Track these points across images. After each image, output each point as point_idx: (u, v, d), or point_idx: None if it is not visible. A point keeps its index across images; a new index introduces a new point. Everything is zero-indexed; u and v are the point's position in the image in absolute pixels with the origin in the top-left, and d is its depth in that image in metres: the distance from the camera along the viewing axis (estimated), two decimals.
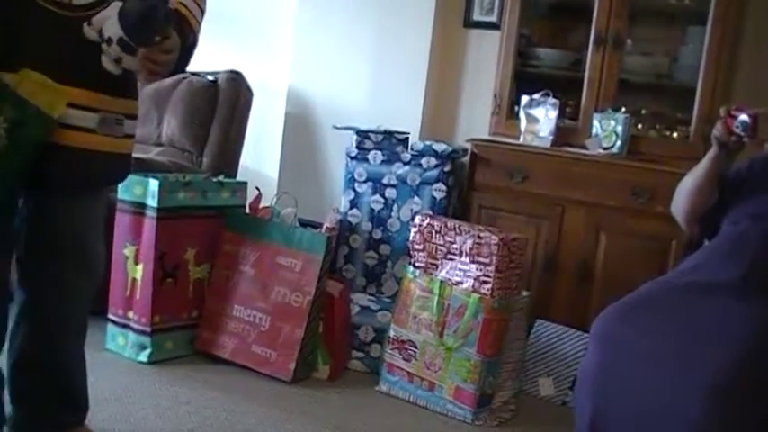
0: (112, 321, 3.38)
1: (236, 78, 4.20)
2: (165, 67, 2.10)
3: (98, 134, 2.16)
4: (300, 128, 4.40)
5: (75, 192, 2.23)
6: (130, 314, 3.33)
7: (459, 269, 3.18)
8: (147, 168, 3.52)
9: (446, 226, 3.26)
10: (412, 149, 3.81)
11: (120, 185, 3.33)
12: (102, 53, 2.02)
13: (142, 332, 3.30)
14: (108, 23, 2.00)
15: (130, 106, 2.26)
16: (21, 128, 2.01)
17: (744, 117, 2.43)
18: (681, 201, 2.72)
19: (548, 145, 3.74)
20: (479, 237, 3.15)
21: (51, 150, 2.10)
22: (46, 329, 2.32)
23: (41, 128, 2.05)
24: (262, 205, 3.62)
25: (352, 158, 3.88)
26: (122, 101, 2.22)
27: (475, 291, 3.12)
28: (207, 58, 4.44)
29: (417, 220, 3.35)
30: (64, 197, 2.22)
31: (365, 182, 3.84)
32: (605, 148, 3.63)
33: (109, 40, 2.00)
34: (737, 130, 2.45)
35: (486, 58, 4.05)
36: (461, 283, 3.16)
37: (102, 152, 2.19)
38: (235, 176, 4.01)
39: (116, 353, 3.35)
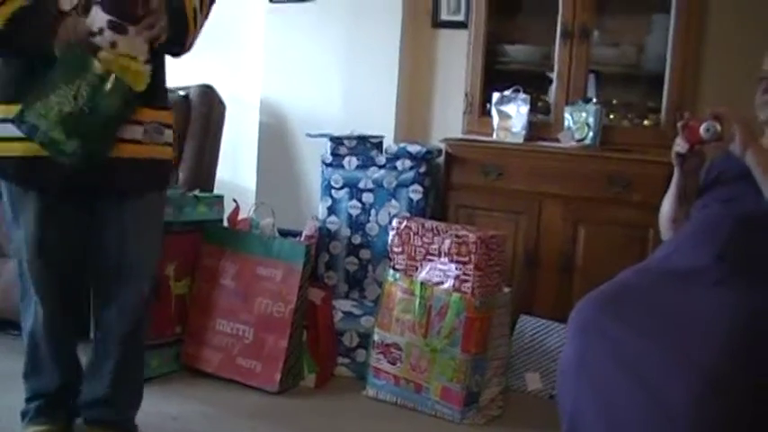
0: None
1: (207, 92, 4.19)
2: (162, 30, 2.35)
3: (144, 144, 2.45)
4: (275, 138, 4.40)
5: (128, 197, 2.48)
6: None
7: (440, 269, 3.19)
8: None
9: (424, 227, 3.26)
10: (386, 153, 3.81)
11: None
12: (100, 48, 2.25)
13: None
14: (95, 18, 2.25)
15: (166, 116, 2.53)
16: (101, 94, 2.25)
17: (710, 122, 2.40)
18: (666, 229, 2.72)
19: (521, 140, 3.75)
20: (457, 236, 3.16)
21: (107, 164, 2.36)
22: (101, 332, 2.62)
23: (120, 99, 2.29)
24: (240, 217, 3.62)
25: (327, 165, 3.88)
26: (160, 112, 2.50)
27: (456, 290, 3.12)
28: (177, 73, 4.42)
29: (395, 222, 3.35)
30: (120, 204, 2.48)
31: (342, 188, 3.84)
32: (578, 141, 3.65)
33: (100, 30, 2.24)
34: (707, 136, 2.41)
35: (456, 57, 4.05)
36: (442, 283, 3.17)
37: (149, 159, 2.48)
38: (211, 190, 4.00)
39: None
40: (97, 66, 2.24)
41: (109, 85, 2.25)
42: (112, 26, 2.25)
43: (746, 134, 2.37)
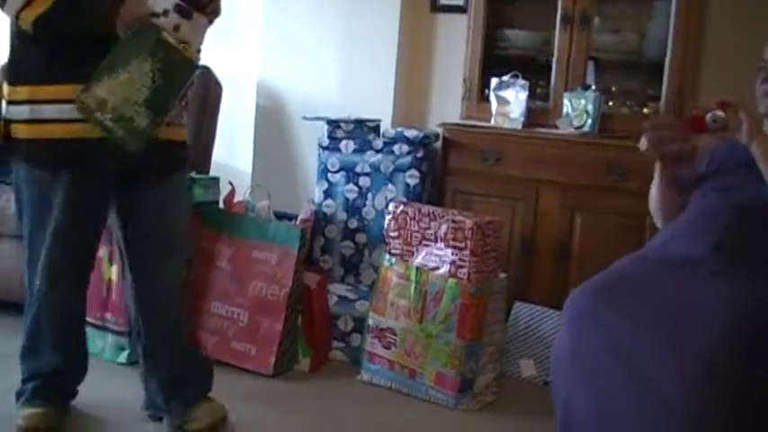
0: (90, 324, 3.33)
1: (204, 73, 4.15)
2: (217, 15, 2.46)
3: (172, 126, 2.52)
4: (272, 120, 4.37)
5: (164, 176, 2.56)
6: (108, 315, 3.31)
7: (436, 255, 3.18)
8: None
9: (420, 212, 3.25)
10: (384, 137, 3.79)
11: None
12: (163, 30, 2.28)
13: (120, 333, 3.27)
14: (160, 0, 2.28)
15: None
16: (171, 70, 2.29)
17: (716, 112, 2.38)
18: (659, 218, 2.71)
19: (519, 126, 3.73)
20: (454, 221, 3.14)
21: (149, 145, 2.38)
22: (148, 311, 2.67)
23: (188, 70, 2.37)
24: (236, 199, 3.60)
25: (324, 149, 3.86)
26: None
27: (452, 276, 3.11)
28: None
29: (391, 207, 3.34)
30: (156, 184, 2.55)
31: (338, 171, 3.83)
32: (577, 128, 3.63)
33: (165, 12, 2.27)
34: (713, 126, 2.39)
35: (455, 41, 4.03)
36: (438, 268, 3.16)
37: (178, 140, 2.60)
38: (207, 172, 3.98)
39: (95, 355, 3.31)
40: (166, 42, 2.28)
41: (176, 63, 2.30)
42: (179, 9, 2.29)
43: (753, 124, 2.35)
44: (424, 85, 4.21)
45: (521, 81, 3.75)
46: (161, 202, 2.57)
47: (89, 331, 3.31)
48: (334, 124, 3.84)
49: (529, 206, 3.64)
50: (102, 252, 3.29)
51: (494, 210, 3.55)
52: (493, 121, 3.80)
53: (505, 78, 3.78)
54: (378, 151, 3.77)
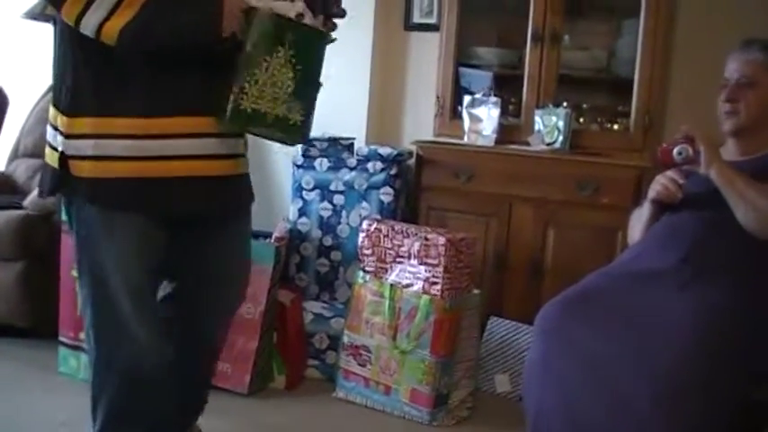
0: (64, 344, 3.35)
1: None
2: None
3: (238, 157, 2.23)
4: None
5: (243, 211, 2.33)
6: (82, 335, 3.29)
7: (409, 272, 3.20)
8: None
9: (393, 229, 3.27)
10: (357, 154, 3.81)
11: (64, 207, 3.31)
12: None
13: None
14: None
15: None
16: (306, 46, 2.09)
17: (683, 145, 2.46)
18: (635, 239, 2.74)
19: (491, 143, 3.76)
20: (426, 238, 3.17)
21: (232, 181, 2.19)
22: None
23: (321, 43, 2.18)
24: None
25: (298, 167, 3.87)
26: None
27: (425, 292, 3.13)
28: None
29: (365, 224, 3.36)
30: (234, 218, 2.29)
31: (313, 189, 3.84)
32: (548, 144, 3.67)
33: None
34: (679, 159, 2.48)
35: (428, 59, 4.06)
36: (411, 285, 3.18)
37: (245, 174, 2.30)
38: None
39: (69, 375, 3.32)
40: (288, 22, 2.04)
41: (307, 40, 2.11)
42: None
43: (710, 153, 2.43)
44: (398, 102, 4.24)
45: (493, 98, 3.78)
46: (239, 234, 2.31)
47: (64, 351, 3.33)
48: (308, 142, 3.85)
49: (502, 222, 3.67)
50: (76, 270, 3.28)
51: (468, 226, 3.57)
52: (466, 138, 3.83)
53: (478, 96, 3.81)
54: (352, 169, 3.79)
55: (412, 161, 3.87)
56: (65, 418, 2.90)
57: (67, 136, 2.03)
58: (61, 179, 2.05)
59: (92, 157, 2.00)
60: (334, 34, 2.26)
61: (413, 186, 3.85)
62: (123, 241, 2.06)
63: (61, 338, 3.34)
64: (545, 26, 3.72)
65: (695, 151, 2.43)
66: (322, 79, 2.17)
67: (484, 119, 3.79)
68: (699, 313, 2.24)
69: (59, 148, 2.04)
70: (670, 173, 2.54)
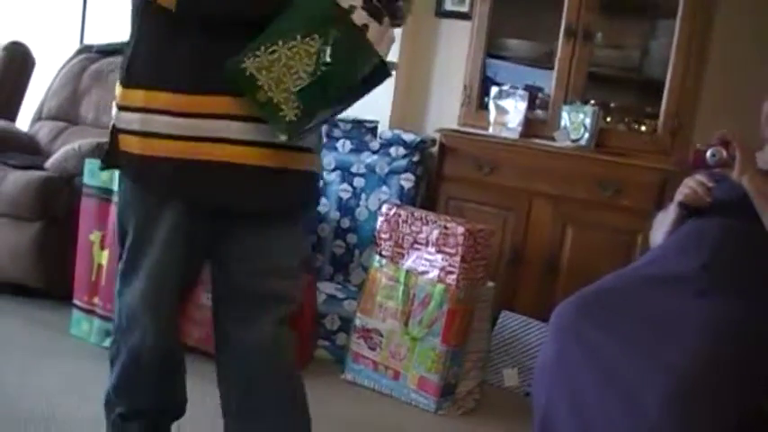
0: (77, 307, 3.35)
1: None
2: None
3: (304, 151, 1.96)
4: None
5: (287, 219, 2.02)
6: (95, 300, 3.31)
7: (426, 259, 3.19)
8: None
9: (413, 216, 3.26)
10: (381, 138, 3.80)
11: (86, 171, 3.32)
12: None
13: (107, 318, 3.26)
14: None
15: None
16: (349, 55, 1.75)
17: (716, 147, 2.43)
18: (657, 243, 2.71)
19: (516, 136, 3.74)
20: (446, 227, 3.15)
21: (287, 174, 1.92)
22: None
23: (369, 65, 1.78)
24: None
25: None
26: None
27: (440, 281, 3.12)
28: None
29: (384, 209, 3.35)
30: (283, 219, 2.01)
31: (333, 170, 3.83)
32: (574, 141, 3.64)
33: (351, 8, 1.75)
34: (712, 162, 2.45)
35: (458, 47, 4.04)
36: (427, 272, 3.17)
37: (309, 171, 2.01)
38: None
39: (80, 338, 3.32)
40: (346, 17, 1.74)
41: (355, 51, 1.75)
42: (369, 7, 1.77)
43: (745, 161, 2.39)
44: (424, 88, 4.22)
45: (520, 91, 3.76)
46: (291, 235, 2.04)
47: (77, 314, 3.34)
48: (332, 123, 3.85)
49: (520, 217, 3.65)
50: (95, 237, 3.30)
51: (486, 218, 3.56)
52: (491, 130, 3.81)
53: (506, 87, 3.79)
54: (374, 152, 3.78)
55: (435, 149, 3.85)
56: (73, 380, 2.91)
57: (120, 108, 1.92)
58: (110, 154, 1.96)
59: (138, 132, 1.87)
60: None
61: (434, 174, 3.83)
62: (158, 225, 1.92)
63: (75, 302, 3.35)
64: (578, 22, 3.69)
65: (729, 155, 2.40)
66: None
67: (510, 111, 3.77)
68: (715, 321, 2.23)
69: (113, 121, 1.94)
70: (700, 176, 2.50)
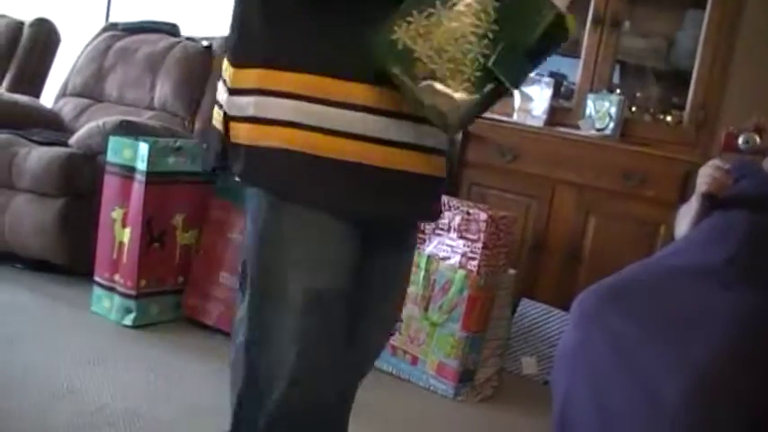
0: (98, 284, 3.37)
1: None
2: None
3: (435, 154, 1.57)
4: None
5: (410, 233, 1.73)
6: (116, 277, 3.32)
7: (447, 245, 3.18)
8: (137, 131, 3.50)
9: None
10: None
11: (110, 148, 3.33)
12: None
13: (127, 296, 3.28)
14: None
15: None
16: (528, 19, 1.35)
17: (750, 133, 2.40)
18: (681, 233, 2.69)
19: (541, 124, 3.73)
20: (468, 213, 3.14)
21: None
22: None
23: (556, 38, 1.38)
24: None
25: None
26: None
27: (461, 267, 3.11)
28: (202, 23, 4.38)
29: None
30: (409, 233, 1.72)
31: None
32: (598, 130, 3.62)
33: None
34: (744, 147, 2.42)
35: None
36: (448, 258, 3.16)
37: (439, 177, 1.61)
38: None
39: (101, 315, 3.34)
40: None
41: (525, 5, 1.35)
42: None
43: None
44: None
45: (546, 78, 3.74)
46: (407, 257, 1.73)
47: (98, 291, 3.36)
48: None
49: (543, 205, 3.64)
50: (116, 214, 3.31)
51: (508, 205, 3.55)
52: (515, 117, 3.79)
53: (531, 75, 3.76)
54: None
55: (458, 135, 3.84)
56: (93, 356, 2.92)
57: (231, 91, 1.51)
58: (225, 147, 1.55)
59: (251, 118, 1.47)
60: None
61: (457, 160, 3.82)
62: (294, 240, 1.49)
63: (96, 278, 3.37)
64: (606, 10, 3.67)
65: (764, 143, 2.37)
66: None
67: (535, 98, 3.75)
68: (740, 316, 2.21)
69: (223, 107, 1.53)
70: (713, 161, 2.48)
